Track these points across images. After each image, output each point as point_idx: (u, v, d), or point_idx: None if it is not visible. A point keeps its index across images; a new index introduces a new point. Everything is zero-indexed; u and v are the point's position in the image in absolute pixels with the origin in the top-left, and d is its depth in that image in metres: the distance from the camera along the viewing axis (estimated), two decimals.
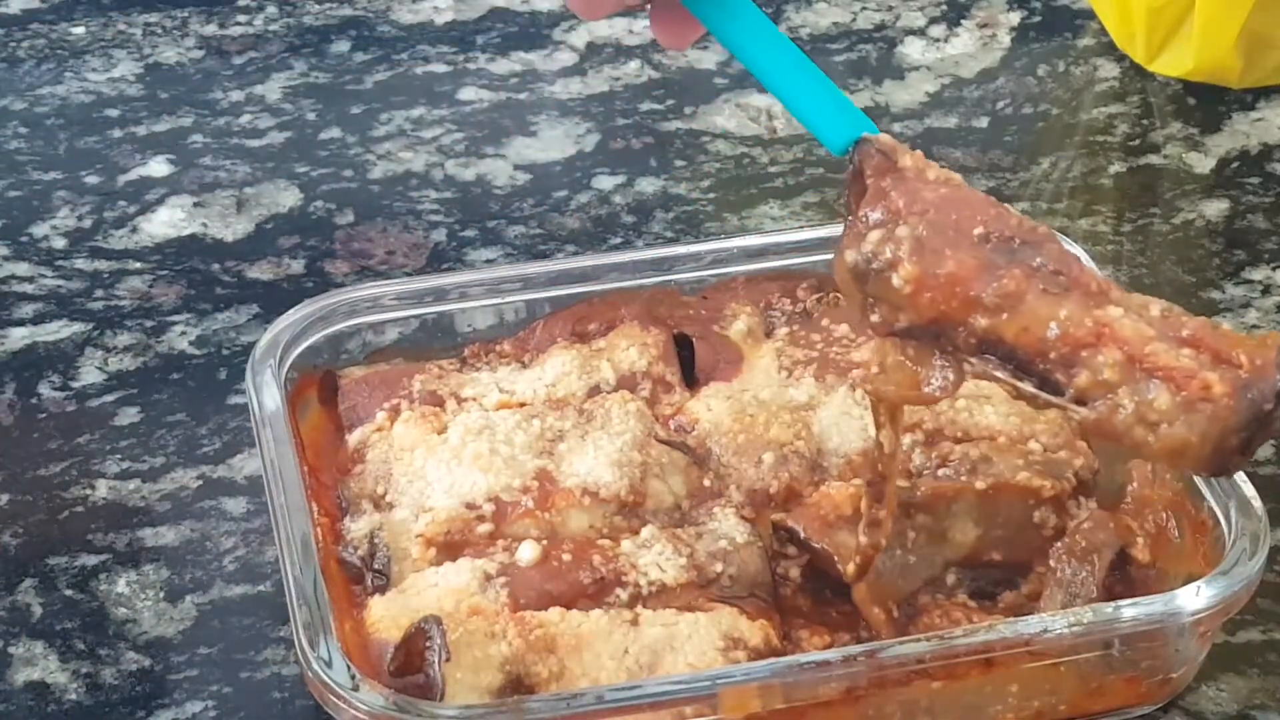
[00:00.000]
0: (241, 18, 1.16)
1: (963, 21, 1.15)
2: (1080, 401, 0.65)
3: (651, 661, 0.70)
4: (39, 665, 0.78)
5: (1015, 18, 1.15)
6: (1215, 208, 1.01)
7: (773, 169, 1.04)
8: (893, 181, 0.69)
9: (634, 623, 0.72)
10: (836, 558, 0.74)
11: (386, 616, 0.72)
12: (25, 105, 1.09)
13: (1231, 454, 0.65)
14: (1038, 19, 1.15)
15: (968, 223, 0.67)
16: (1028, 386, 0.66)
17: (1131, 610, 0.71)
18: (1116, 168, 1.04)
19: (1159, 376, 0.64)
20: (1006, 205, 0.70)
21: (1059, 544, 0.75)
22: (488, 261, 0.97)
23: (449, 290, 0.86)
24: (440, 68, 1.11)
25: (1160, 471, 0.78)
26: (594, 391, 0.82)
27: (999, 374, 0.67)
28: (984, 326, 0.66)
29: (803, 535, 0.76)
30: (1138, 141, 1.06)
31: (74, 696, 0.77)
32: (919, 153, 0.72)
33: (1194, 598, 0.71)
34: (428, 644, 0.69)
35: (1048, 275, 0.66)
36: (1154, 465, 0.77)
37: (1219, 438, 0.64)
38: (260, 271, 0.97)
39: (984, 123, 1.07)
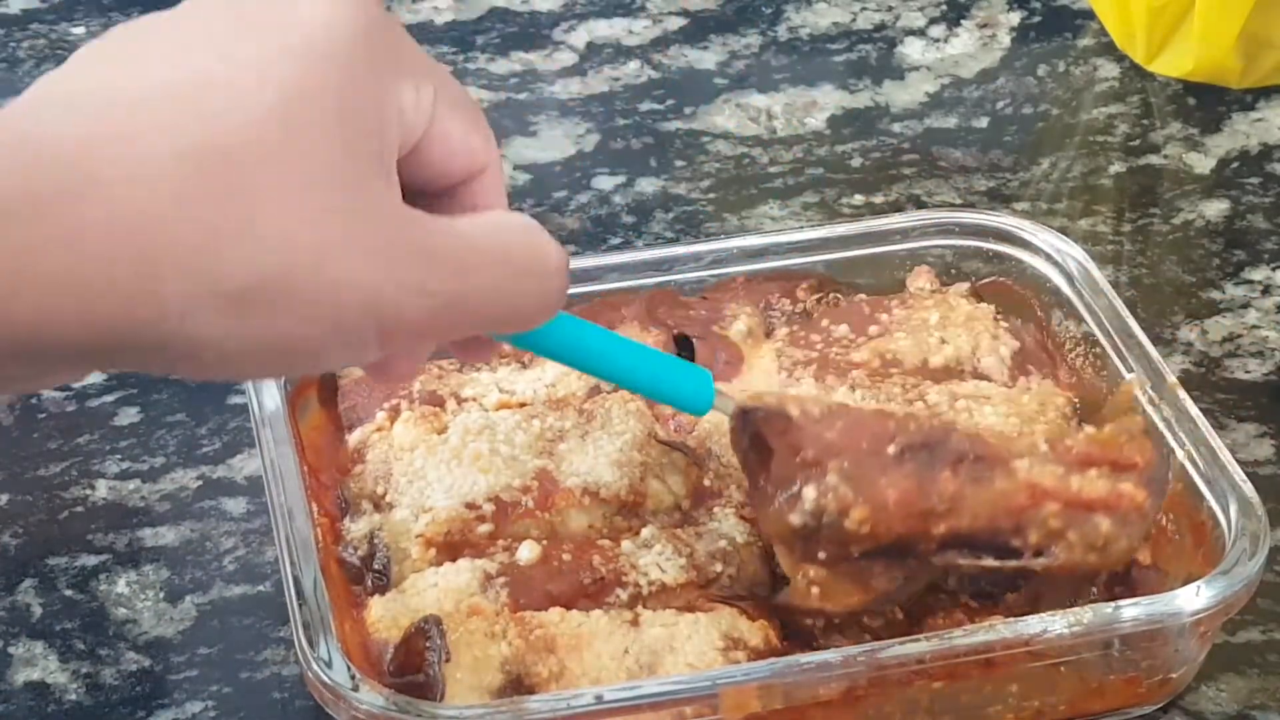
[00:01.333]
0: None
1: (963, 21, 1.15)
2: (1037, 554, 0.71)
3: (651, 661, 0.70)
4: (39, 665, 0.78)
5: (1015, 18, 1.15)
6: (1215, 208, 1.01)
7: (773, 169, 1.04)
8: (795, 434, 0.72)
9: (634, 623, 0.72)
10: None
11: (386, 616, 0.72)
12: None
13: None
14: (1038, 19, 1.15)
15: (878, 443, 0.72)
16: (989, 561, 0.72)
17: (1131, 610, 0.71)
18: (1116, 168, 1.04)
19: (1095, 508, 0.71)
20: (886, 408, 0.76)
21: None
22: None
23: None
24: None
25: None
26: (594, 391, 0.82)
27: (960, 561, 0.72)
28: (942, 531, 0.71)
29: None
30: (1138, 141, 1.06)
31: (74, 696, 0.77)
32: (791, 394, 0.77)
33: (1194, 598, 0.71)
34: (428, 644, 0.69)
35: (970, 464, 0.71)
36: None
37: (1147, 530, 0.74)
38: None
39: (984, 123, 1.07)
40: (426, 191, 0.60)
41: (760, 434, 0.73)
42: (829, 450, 0.71)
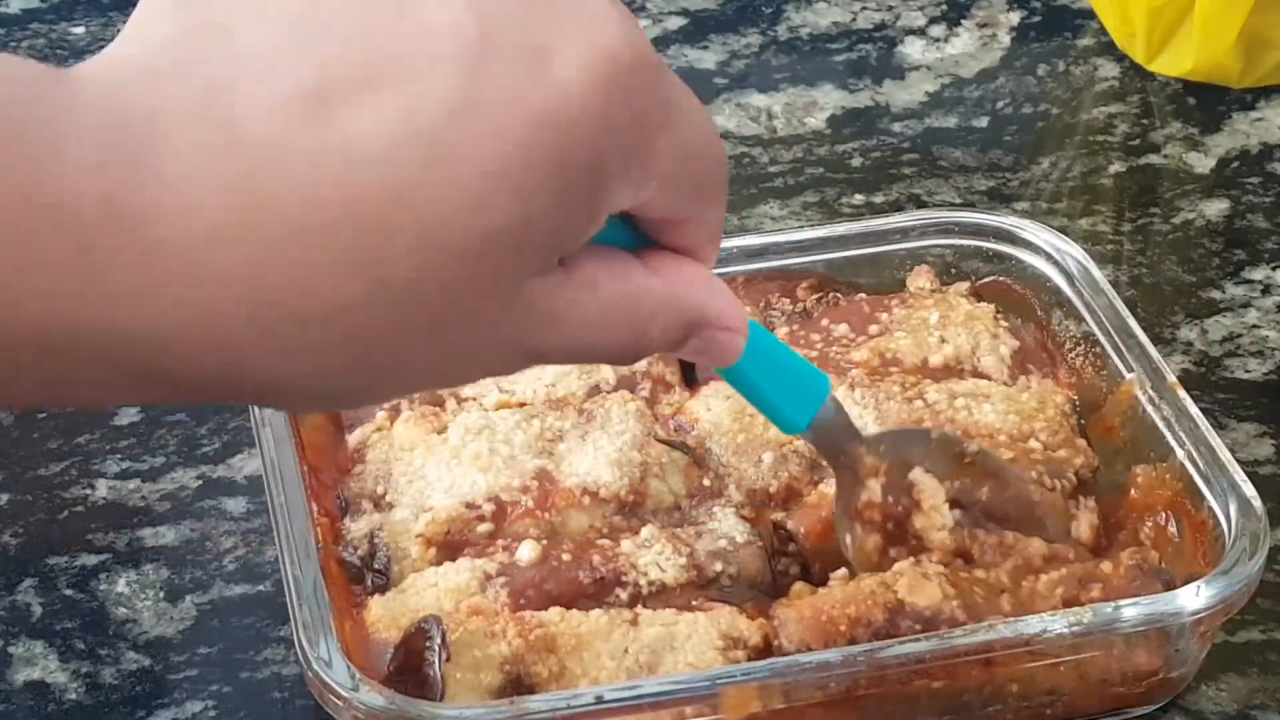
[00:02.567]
0: None
1: (963, 21, 1.15)
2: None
3: (651, 661, 0.70)
4: (39, 665, 0.78)
5: (1015, 18, 1.15)
6: (1215, 208, 1.01)
7: (773, 169, 1.04)
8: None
9: (634, 622, 0.72)
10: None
11: (386, 616, 0.72)
12: None
13: None
14: (1038, 19, 1.15)
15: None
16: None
17: (1131, 610, 0.71)
18: (1116, 168, 1.04)
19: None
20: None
21: None
22: None
23: None
24: None
25: (1160, 471, 0.78)
26: (594, 391, 0.82)
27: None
28: None
29: (799, 538, 0.76)
30: (1138, 141, 1.06)
31: (74, 696, 0.77)
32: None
33: (1194, 598, 0.71)
34: (428, 644, 0.69)
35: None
36: (1155, 464, 0.78)
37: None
38: None
39: (984, 123, 1.07)
40: None
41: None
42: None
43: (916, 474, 0.75)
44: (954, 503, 0.75)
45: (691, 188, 0.53)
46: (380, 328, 0.48)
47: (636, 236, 0.55)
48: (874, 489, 0.74)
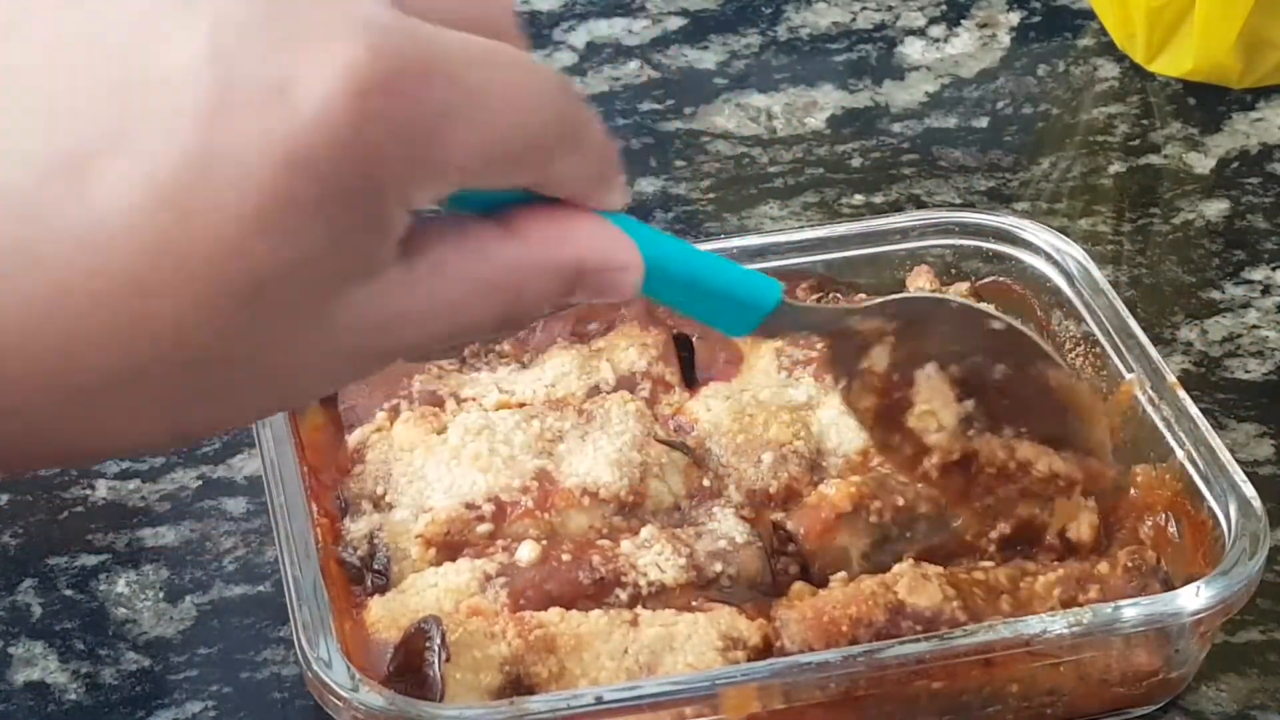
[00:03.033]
0: None
1: (963, 21, 1.15)
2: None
3: (651, 661, 0.70)
4: (39, 665, 0.78)
5: (1015, 18, 1.15)
6: (1215, 208, 1.01)
7: (773, 169, 1.04)
8: None
9: (633, 623, 0.72)
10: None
11: (386, 616, 0.72)
12: None
13: None
14: (1038, 19, 1.15)
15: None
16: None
17: (1131, 610, 0.71)
18: (1116, 168, 1.04)
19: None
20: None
21: None
22: None
23: None
24: None
25: (1160, 472, 0.78)
26: (593, 391, 0.82)
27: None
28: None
29: (799, 538, 0.76)
30: (1138, 141, 1.06)
31: (74, 696, 0.77)
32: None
33: (1194, 598, 0.71)
34: (427, 644, 0.69)
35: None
36: (1155, 464, 0.78)
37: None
38: None
39: (984, 123, 1.07)
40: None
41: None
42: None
43: (927, 370, 0.71)
44: (965, 387, 0.71)
45: (520, 160, 0.51)
46: (176, 383, 0.47)
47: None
48: (878, 357, 0.70)
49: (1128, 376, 0.81)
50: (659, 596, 0.73)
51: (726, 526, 0.76)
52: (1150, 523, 0.77)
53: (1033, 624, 0.70)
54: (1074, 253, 0.86)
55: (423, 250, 0.50)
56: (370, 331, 0.50)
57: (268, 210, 0.45)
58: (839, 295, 0.87)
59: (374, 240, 0.48)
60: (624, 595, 0.73)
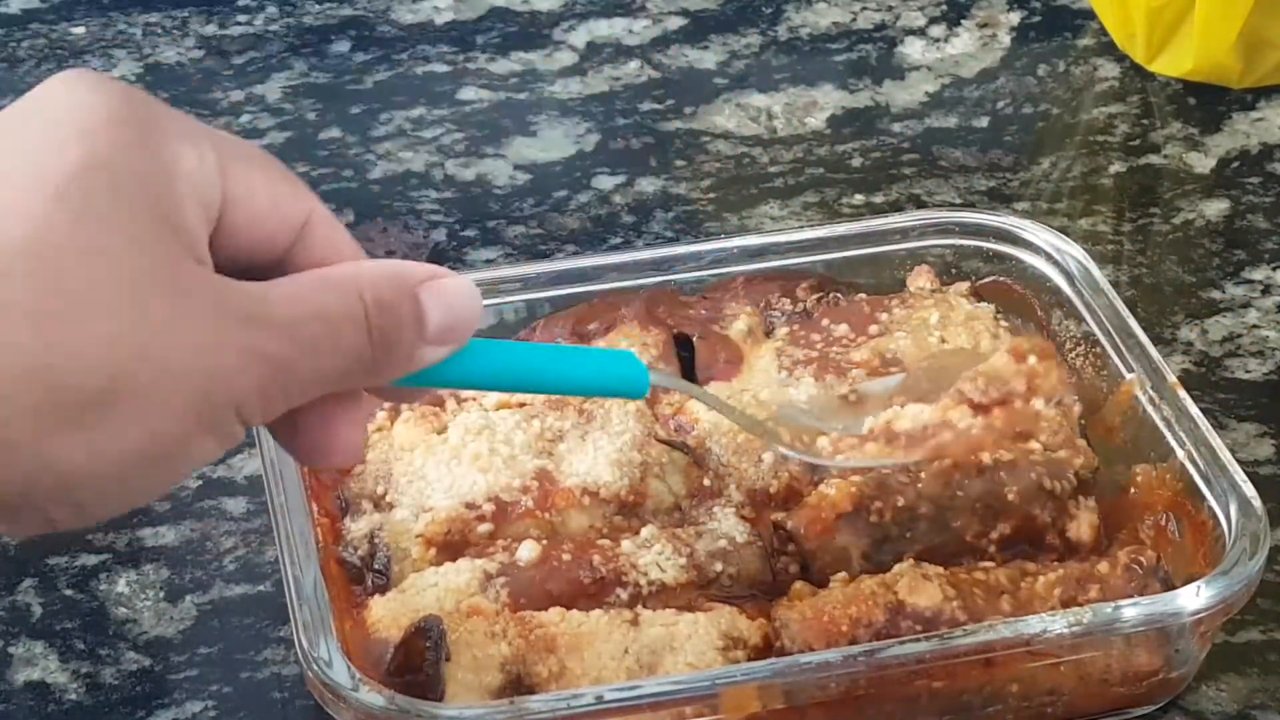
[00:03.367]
0: (241, 18, 1.16)
1: (963, 21, 1.15)
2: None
3: (651, 661, 0.70)
4: (39, 665, 0.78)
5: (1015, 18, 1.15)
6: (1215, 208, 1.01)
7: (773, 169, 1.04)
8: None
9: (634, 622, 0.72)
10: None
11: (386, 616, 0.72)
12: None
13: None
14: (1038, 19, 1.15)
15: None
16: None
17: (1131, 610, 0.71)
18: (1116, 168, 1.04)
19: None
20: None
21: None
22: (488, 261, 0.97)
23: None
24: (440, 68, 1.11)
25: (1161, 472, 0.78)
26: None
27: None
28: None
29: (799, 538, 0.76)
30: (1138, 141, 1.06)
31: (74, 696, 0.77)
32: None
33: (1194, 598, 0.71)
34: (428, 644, 0.69)
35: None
36: (1155, 464, 0.78)
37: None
38: None
39: (984, 123, 1.07)
40: (256, 265, 0.57)
41: None
42: None
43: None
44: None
45: (269, 167, 0.58)
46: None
47: None
48: None
49: (1128, 376, 0.81)
50: (659, 596, 0.73)
51: (727, 526, 0.76)
52: (1150, 522, 0.77)
53: (1033, 624, 0.70)
54: (1074, 252, 0.86)
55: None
56: (222, 297, 0.54)
57: None
58: (839, 295, 0.87)
59: (176, 202, 0.53)
60: (624, 595, 0.73)
